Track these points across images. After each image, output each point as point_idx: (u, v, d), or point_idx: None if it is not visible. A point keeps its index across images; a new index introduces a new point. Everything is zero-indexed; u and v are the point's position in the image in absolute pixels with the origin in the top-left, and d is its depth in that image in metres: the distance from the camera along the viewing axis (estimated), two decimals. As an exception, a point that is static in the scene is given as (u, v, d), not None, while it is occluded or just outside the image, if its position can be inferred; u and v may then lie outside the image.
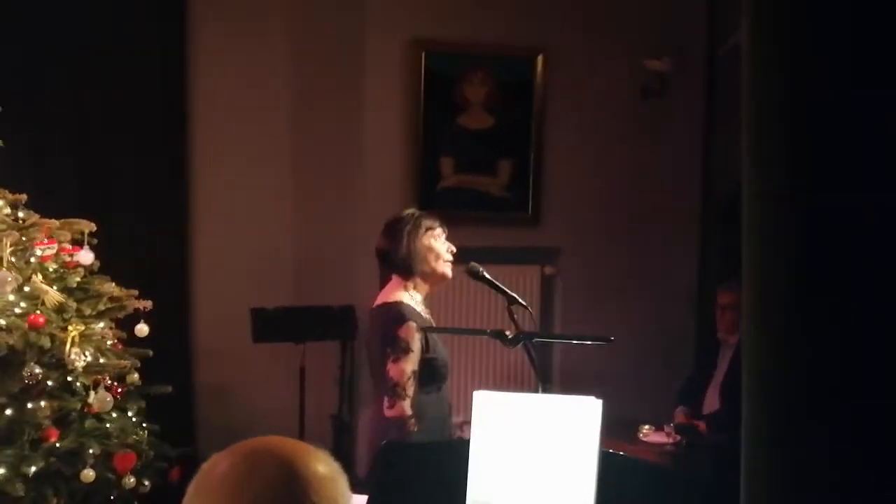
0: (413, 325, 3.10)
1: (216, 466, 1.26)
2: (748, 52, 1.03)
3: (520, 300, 2.95)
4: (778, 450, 0.98)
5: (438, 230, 3.26)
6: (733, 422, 4.29)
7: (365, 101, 5.26)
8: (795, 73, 0.96)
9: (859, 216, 0.93)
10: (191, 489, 1.26)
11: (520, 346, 2.76)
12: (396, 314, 3.13)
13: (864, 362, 0.93)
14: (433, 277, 3.26)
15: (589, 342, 3.00)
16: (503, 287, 3.00)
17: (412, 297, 3.22)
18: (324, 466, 1.27)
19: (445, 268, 3.27)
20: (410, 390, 3.07)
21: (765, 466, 0.98)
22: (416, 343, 3.09)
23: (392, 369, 3.07)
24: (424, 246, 3.21)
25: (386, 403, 3.07)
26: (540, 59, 5.40)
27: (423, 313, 3.21)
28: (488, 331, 2.95)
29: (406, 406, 3.05)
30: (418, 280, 3.24)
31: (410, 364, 3.07)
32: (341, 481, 1.28)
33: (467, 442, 2.07)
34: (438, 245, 3.24)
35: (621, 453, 2.14)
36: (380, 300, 3.25)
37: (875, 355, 0.92)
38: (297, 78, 5.24)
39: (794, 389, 0.96)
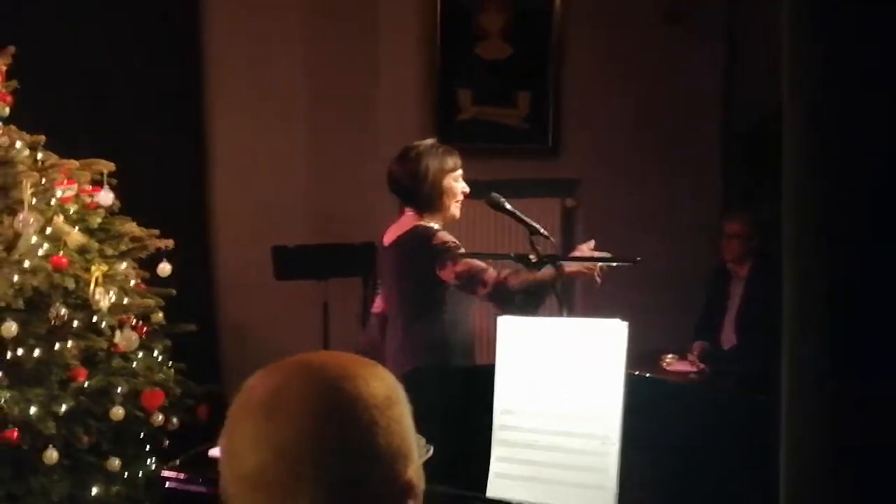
0: (444, 232, 3.09)
1: (258, 385, 1.12)
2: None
3: (541, 230, 2.93)
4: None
5: (459, 171, 3.22)
6: (752, 354, 4.28)
7: (380, 33, 5.19)
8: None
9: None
10: (232, 409, 1.12)
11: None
12: (423, 233, 3.14)
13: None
14: (446, 214, 3.25)
15: (615, 263, 2.97)
16: (524, 217, 2.98)
17: (432, 225, 3.21)
18: (381, 384, 1.13)
19: (456, 208, 3.25)
20: (482, 262, 3.05)
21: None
22: (454, 239, 3.08)
23: (454, 270, 3.04)
24: (446, 187, 3.18)
25: (479, 291, 3.04)
26: (558, -15, 5.29)
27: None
28: (512, 254, 2.94)
29: (494, 273, 3.02)
30: (434, 213, 3.22)
31: (465, 258, 3.05)
32: (402, 402, 1.14)
33: (493, 367, 2.08)
34: (457, 186, 3.21)
35: (648, 375, 2.14)
36: (397, 231, 3.23)
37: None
38: (311, 13, 5.17)
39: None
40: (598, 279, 2.90)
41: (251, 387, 1.13)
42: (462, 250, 3.07)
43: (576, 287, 5.40)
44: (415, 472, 1.13)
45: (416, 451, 1.15)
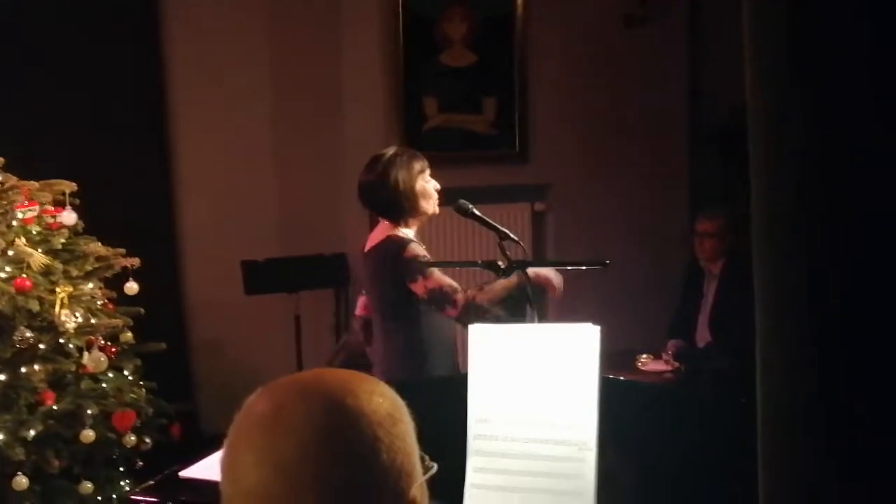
0: (416, 244, 3.09)
1: (259, 403, 1.11)
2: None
3: (511, 235, 2.92)
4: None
5: (427, 171, 3.22)
6: (727, 351, 4.30)
7: (343, 44, 5.18)
8: None
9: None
10: (232, 427, 1.11)
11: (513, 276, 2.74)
12: (395, 244, 3.13)
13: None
14: (423, 217, 3.24)
15: (584, 266, 2.97)
16: (493, 223, 2.97)
17: (405, 235, 3.20)
18: (384, 401, 1.11)
19: (434, 206, 3.25)
20: (453, 282, 3.06)
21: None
22: (425, 253, 3.08)
23: (425, 285, 3.05)
24: (418, 190, 3.17)
25: (448, 311, 3.05)
26: (519, -9, 5.30)
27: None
28: (480, 262, 2.93)
29: (463, 295, 3.03)
30: (409, 220, 3.22)
31: (436, 271, 3.06)
32: (405, 419, 1.13)
33: (465, 376, 2.06)
34: (429, 187, 3.21)
35: (622, 378, 2.13)
36: (373, 240, 3.23)
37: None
38: (273, 23, 5.15)
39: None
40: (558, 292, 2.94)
41: (252, 404, 1.12)
42: (431, 267, 3.06)
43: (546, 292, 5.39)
44: (418, 490, 1.12)
45: (419, 469, 1.14)
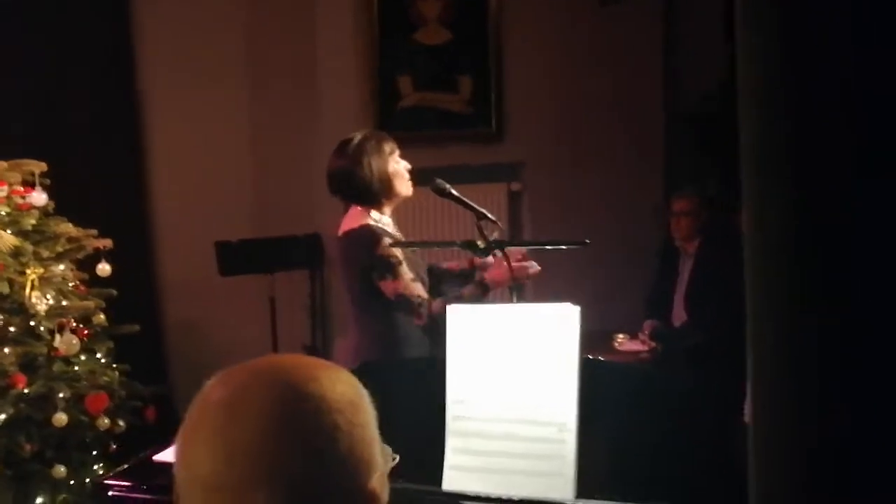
0: (387, 240, 3.05)
1: (216, 388, 1.07)
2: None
3: (488, 215, 2.90)
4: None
5: (397, 151, 3.17)
6: (702, 328, 4.34)
7: (317, 22, 5.12)
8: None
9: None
10: (189, 412, 1.08)
11: (490, 256, 2.72)
12: (367, 237, 3.07)
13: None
14: (397, 199, 3.20)
15: (564, 247, 2.96)
16: (470, 203, 2.95)
17: (378, 220, 3.15)
18: (346, 389, 1.08)
19: (408, 187, 3.20)
20: (422, 291, 3.02)
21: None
22: (397, 254, 3.03)
23: (394, 288, 3.01)
24: (389, 173, 3.13)
25: (414, 320, 3.01)
26: (494, -32, 5.26)
27: (394, 232, 3.16)
28: (458, 242, 2.90)
29: (428, 306, 2.98)
30: (384, 203, 3.17)
31: (404, 274, 3.02)
32: (366, 408, 1.10)
33: (444, 358, 2.04)
34: (400, 168, 3.17)
35: (601, 358, 2.13)
36: (346, 226, 3.17)
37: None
38: (247, 4, 5.08)
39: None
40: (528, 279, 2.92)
41: (209, 389, 1.08)
42: (402, 268, 3.02)
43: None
44: (378, 481, 1.09)
45: (381, 459, 1.11)
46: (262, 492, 1.01)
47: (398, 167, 3.15)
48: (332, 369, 1.11)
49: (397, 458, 1.15)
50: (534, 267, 2.91)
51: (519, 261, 2.88)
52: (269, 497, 1.01)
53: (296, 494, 1.03)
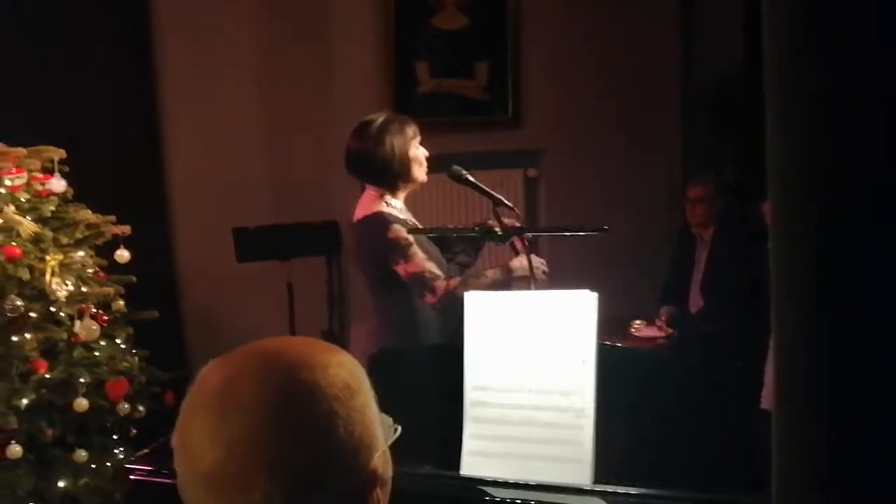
0: (397, 225, 3.05)
1: (210, 377, 1.07)
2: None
3: (505, 201, 2.90)
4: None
5: (418, 137, 3.18)
6: (716, 316, 4.33)
7: (334, 8, 5.11)
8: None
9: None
10: (184, 403, 1.07)
11: (508, 243, 2.72)
12: (379, 223, 3.08)
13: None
14: (413, 184, 3.20)
15: (582, 233, 2.95)
16: (487, 189, 2.94)
17: (391, 206, 3.15)
18: (342, 372, 1.07)
19: (424, 174, 3.20)
20: (435, 268, 3.02)
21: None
22: (408, 236, 3.03)
23: (406, 269, 3.02)
24: (412, 157, 3.13)
25: (427, 298, 3.01)
26: (511, -49, 5.23)
27: (407, 219, 3.16)
28: (476, 228, 2.90)
29: (443, 283, 2.99)
30: (399, 187, 3.17)
31: (418, 254, 3.02)
32: (364, 389, 1.08)
33: (461, 345, 2.05)
34: (420, 154, 3.17)
35: (618, 344, 2.13)
36: (359, 213, 3.18)
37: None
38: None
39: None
40: (543, 275, 2.91)
41: (204, 378, 1.08)
42: (414, 248, 3.02)
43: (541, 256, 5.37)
44: (380, 460, 1.08)
45: (382, 437, 1.10)
46: (262, 479, 1.01)
47: (418, 152, 3.16)
48: (328, 353, 1.10)
49: (399, 429, 1.14)
50: (544, 266, 2.93)
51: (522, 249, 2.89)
52: (269, 486, 1.01)
53: (297, 481, 1.02)
